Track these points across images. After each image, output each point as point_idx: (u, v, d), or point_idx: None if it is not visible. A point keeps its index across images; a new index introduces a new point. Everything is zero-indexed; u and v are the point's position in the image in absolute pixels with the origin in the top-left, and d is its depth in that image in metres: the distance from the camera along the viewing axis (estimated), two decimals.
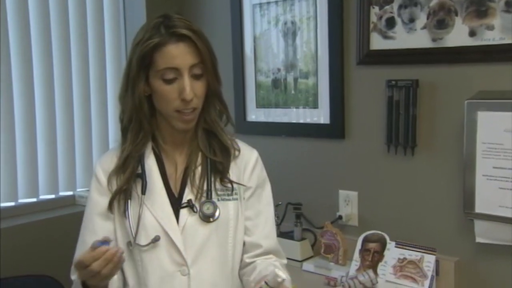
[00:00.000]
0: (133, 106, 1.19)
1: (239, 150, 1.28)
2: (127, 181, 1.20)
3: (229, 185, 1.23)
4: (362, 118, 1.87)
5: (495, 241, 1.56)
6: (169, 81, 1.14)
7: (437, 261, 1.64)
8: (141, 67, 1.15)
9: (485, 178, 1.53)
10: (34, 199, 2.06)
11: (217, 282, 1.22)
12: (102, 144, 2.29)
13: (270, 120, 2.12)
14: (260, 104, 2.14)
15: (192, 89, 1.15)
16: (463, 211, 1.61)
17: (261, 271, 1.18)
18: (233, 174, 1.25)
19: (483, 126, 1.52)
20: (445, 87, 1.67)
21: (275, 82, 2.09)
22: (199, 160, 1.24)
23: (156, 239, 1.18)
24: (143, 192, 1.20)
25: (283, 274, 1.05)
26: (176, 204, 1.22)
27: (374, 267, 1.71)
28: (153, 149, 1.24)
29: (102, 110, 2.28)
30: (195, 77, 1.16)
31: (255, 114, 2.17)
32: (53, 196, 2.12)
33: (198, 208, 1.20)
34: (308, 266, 1.86)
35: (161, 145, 1.25)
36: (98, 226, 1.22)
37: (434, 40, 1.65)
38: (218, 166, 1.23)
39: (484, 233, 1.58)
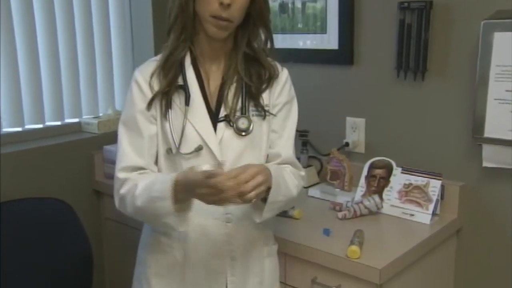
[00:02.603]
0: (180, 6, 1.21)
1: (277, 76, 1.32)
2: (169, 84, 1.24)
3: (260, 108, 1.30)
4: (372, 43, 1.82)
5: (502, 165, 1.55)
6: None
7: (442, 186, 1.64)
8: None
9: (497, 102, 1.50)
10: (40, 125, 2.06)
11: None
12: (106, 72, 2.26)
13: (276, 46, 1.99)
14: None
15: None
16: (471, 136, 1.59)
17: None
18: (265, 94, 1.31)
19: (499, 47, 1.47)
20: (461, 8, 1.60)
21: (282, 7, 2.02)
22: (235, 78, 1.28)
23: (199, 148, 1.24)
24: (187, 103, 1.25)
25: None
26: (213, 117, 1.27)
27: (379, 192, 1.72)
28: (192, 61, 1.28)
29: (106, 37, 2.24)
30: None
31: None
32: (59, 122, 2.12)
33: (233, 123, 1.26)
34: (314, 192, 1.87)
35: (198, 58, 1.29)
36: (145, 129, 1.26)
37: None
38: (252, 90, 1.28)
39: (491, 158, 1.57)
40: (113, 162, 2.04)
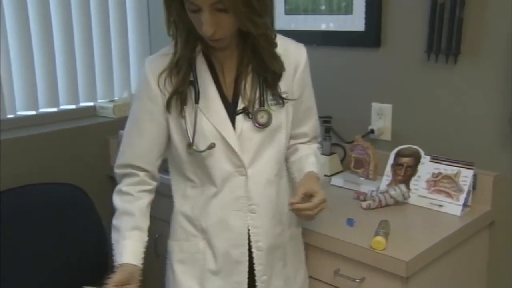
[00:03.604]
0: (169, 17, 1.19)
1: (284, 69, 1.26)
2: (182, 83, 1.22)
3: (279, 97, 1.26)
4: (401, 24, 1.73)
5: None
6: (194, 11, 1.14)
7: (474, 176, 1.56)
8: None
9: None
10: (55, 109, 2.04)
11: (272, 179, 1.30)
12: (122, 56, 2.23)
13: (299, 28, 1.98)
14: (289, 11, 2.00)
15: (213, 22, 1.12)
16: (508, 123, 1.51)
17: (302, 157, 1.34)
18: (283, 78, 1.26)
19: None
20: None
21: None
22: (250, 68, 1.24)
23: (211, 147, 1.23)
24: (196, 101, 1.23)
25: None
26: (231, 110, 1.24)
27: (406, 182, 1.64)
28: (204, 56, 1.25)
29: (122, 19, 2.20)
30: (220, 10, 1.12)
31: (283, 22, 2.03)
32: (73, 106, 2.10)
33: (252, 115, 1.24)
34: (337, 180, 1.80)
35: (210, 51, 1.25)
36: (145, 130, 1.26)
37: None
38: (268, 79, 1.25)
39: None
40: None
